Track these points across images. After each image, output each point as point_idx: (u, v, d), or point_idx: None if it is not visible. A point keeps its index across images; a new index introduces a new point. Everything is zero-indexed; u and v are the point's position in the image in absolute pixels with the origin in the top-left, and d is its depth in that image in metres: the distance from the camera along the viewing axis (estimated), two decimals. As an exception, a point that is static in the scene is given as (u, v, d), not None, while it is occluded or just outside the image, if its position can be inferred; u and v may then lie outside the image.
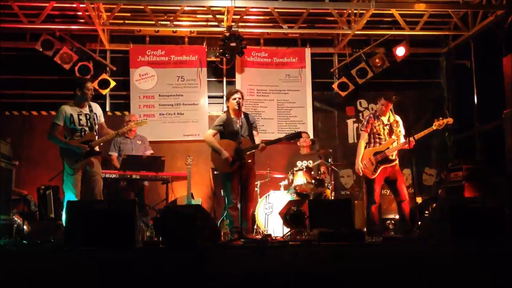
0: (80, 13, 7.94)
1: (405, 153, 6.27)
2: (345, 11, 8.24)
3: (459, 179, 6.88)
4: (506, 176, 6.34)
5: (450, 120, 6.20)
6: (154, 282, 3.38)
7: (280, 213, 6.35)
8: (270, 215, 6.90)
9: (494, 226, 4.01)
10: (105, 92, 8.23)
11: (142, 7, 7.96)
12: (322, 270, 3.48)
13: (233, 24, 7.90)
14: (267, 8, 8.11)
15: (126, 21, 8.42)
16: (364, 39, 8.90)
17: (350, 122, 8.97)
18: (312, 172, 7.05)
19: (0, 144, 6.33)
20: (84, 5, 7.29)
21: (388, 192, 7.14)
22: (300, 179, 6.95)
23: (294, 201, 6.37)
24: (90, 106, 5.51)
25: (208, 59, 8.80)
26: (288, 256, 3.55)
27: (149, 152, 7.37)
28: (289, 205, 6.14)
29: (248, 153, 5.58)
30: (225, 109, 8.69)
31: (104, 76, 8.19)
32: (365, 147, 6.21)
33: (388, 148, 6.05)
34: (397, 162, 6.09)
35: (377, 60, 8.50)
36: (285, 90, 8.86)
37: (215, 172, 7.82)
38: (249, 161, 5.63)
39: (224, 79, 8.94)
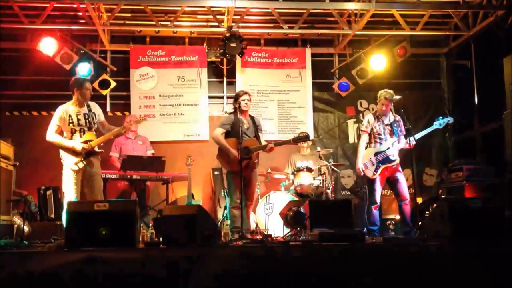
0: (80, 14, 7.95)
1: (405, 153, 6.27)
2: (345, 12, 8.24)
3: (460, 179, 6.88)
4: (506, 177, 6.34)
5: (450, 120, 6.22)
6: (154, 282, 3.38)
7: (280, 214, 6.35)
8: (270, 216, 6.91)
9: (495, 227, 4.01)
10: (105, 92, 8.23)
11: (143, 7, 7.96)
12: (322, 270, 3.48)
13: (233, 24, 7.91)
14: (268, 8, 8.11)
15: (127, 22, 8.43)
16: (364, 39, 8.90)
17: (350, 122, 8.97)
18: (313, 173, 7.07)
19: (0, 144, 6.32)
20: (85, 6, 7.29)
21: (389, 192, 7.15)
22: (300, 179, 6.97)
23: (295, 202, 6.37)
24: (88, 106, 5.48)
25: (209, 60, 8.80)
26: (288, 257, 3.55)
27: (150, 152, 7.38)
28: (289, 206, 6.14)
29: (255, 153, 5.62)
30: (226, 109, 8.80)
31: (105, 76, 8.19)
32: (366, 147, 6.21)
33: (388, 148, 6.05)
34: (398, 162, 6.09)
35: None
36: (285, 90, 8.87)
37: (216, 173, 7.83)
38: (256, 161, 5.67)
39: (225, 80, 8.95)
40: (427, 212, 6.94)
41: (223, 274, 3.41)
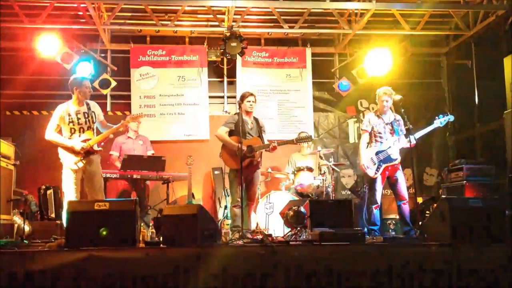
0: (81, 13, 7.94)
1: (406, 153, 6.26)
2: (346, 11, 8.24)
3: (460, 179, 6.88)
4: (507, 176, 6.34)
5: (451, 118, 6.22)
6: (155, 281, 3.38)
7: (280, 213, 6.34)
8: (271, 215, 6.91)
9: (495, 227, 4.00)
10: (105, 92, 8.22)
11: (143, 7, 7.96)
12: (322, 270, 3.48)
13: (233, 24, 7.91)
14: (268, 8, 8.12)
15: (127, 21, 8.44)
16: (365, 39, 8.89)
17: (351, 122, 8.97)
18: (313, 172, 7.07)
19: (0, 143, 6.32)
20: (85, 5, 7.31)
21: (389, 192, 7.14)
22: (300, 179, 6.96)
23: (295, 201, 6.36)
24: (88, 105, 5.48)
25: (209, 59, 8.81)
26: (288, 256, 3.55)
27: (150, 152, 7.38)
28: (290, 205, 6.13)
29: (258, 152, 5.62)
30: (226, 108, 8.80)
31: (105, 76, 8.19)
32: (367, 147, 6.20)
33: (390, 147, 6.04)
34: (399, 161, 6.08)
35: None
36: (285, 90, 8.87)
37: (216, 172, 7.83)
38: (259, 159, 5.68)
39: (225, 79, 8.95)
40: (427, 212, 6.94)
41: (223, 273, 3.41)
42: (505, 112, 6.62)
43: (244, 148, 5.56)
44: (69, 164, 5.27)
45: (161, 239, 4.05)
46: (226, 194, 7.33)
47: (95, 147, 5.41)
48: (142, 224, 5.61)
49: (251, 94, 5.95)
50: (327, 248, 3.70)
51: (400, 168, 6.11)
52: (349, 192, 8.64)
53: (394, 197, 6.24)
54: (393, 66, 8.31)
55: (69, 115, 5.37)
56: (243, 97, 5.97)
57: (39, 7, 7.70)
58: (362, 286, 3.46)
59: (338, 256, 3.56)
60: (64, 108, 5.39)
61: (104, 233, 3.65)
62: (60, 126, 5.38)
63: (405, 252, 3.67)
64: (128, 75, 8.57)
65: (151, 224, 6.03)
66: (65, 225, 3.93)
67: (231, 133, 5.87)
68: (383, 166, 6.01)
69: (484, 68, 8.22)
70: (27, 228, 6.03)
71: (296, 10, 8.22)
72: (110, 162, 7.09)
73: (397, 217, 6.76)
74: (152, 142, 7.66)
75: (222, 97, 8.95)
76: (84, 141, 5.31)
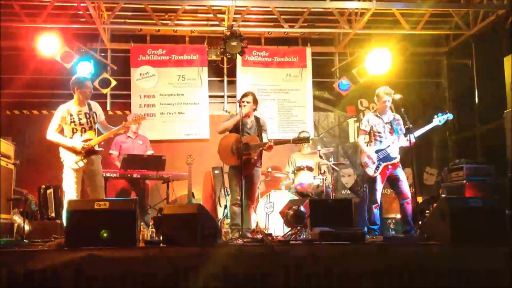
0: (81, 12, 7.93)
1: (405, 152, 6.26)
2: (346, 10, 8.23)
3: (460, 179, 6.88)
4: (507, 176, 6.34)
5: (450, 116, 6.23)
6: (155, 281, 3.38)
7: (280, 213, 6.34)
8: (271, 215, 6.91)
9: (495, 226, 4.00)
10: (105, 91, 8.22)
11: (143, 6, 7.96)
12: (322, 270, 3.48)
13: (234, 23, 7.90)
14: (268, 7, 8.12)
15: (127, 20, 8.44)
16: (365, 38, 8.89)
17: (351, 121, 8.98)
18: (313, 172, 7.07)
19: (0, 143, 6.32)
20: (85, 4, 7.30)
21: (389, 191, 7.15)
22: (301, 178, 6.96)
23: (295, 201, 6.36)
24: (89, 105, 5.50)
25: (209, 59, 8.81)
26: (288, 256, 3.55)
27: (149, 152, 7.37)
28: (290, 205, 6.13)
29: (255, 149, 5.62)
30: (226, 108, 8.80)
31: (105, 75, 8.19)
32: (366, 146, 6.20)
33: (389, 146, 6.04)
34: (398, 159, 6.08)
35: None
36: (286, 89, 8.87)
37: (216, 171, 7.83)
38: (255, 157, 5.68)
39: (225, 79, 8.95)
40: (427, 211, 6.94)
41: (223, 273, 3.41)
42: (505, 111, 6.61)
43: (238, 146, 5.57)
44: (70, 163, 5.29)
45: (161, 238, 4.05)
46: (226, 193, 7.33)
47: (96, 147, 5.43)
48: (142, 223, 5.61)
49: (246, 95, 5.89)
50: (327, 248, 3.70)
51: (400, 166, 6.11)
52: (349, 192, 8.64)
53: (396, 196, 6.25)
54: (393, 66, 8.30)
55: (71, 115, 5.38)
56: (240, 97, 5.98)
57: (39, 7, 7.69)
58: (362, 285, 3.46)
59: (338, 255, 3.56)
60: (66, 108, 5.41)
61: (105, 235, 3.65)
62: (61, 126, 5.40)
63: (405, 252, 3.66)
64: (128, 74, 8.57)
65: (151, 224, 6.03)
66: (65, 224, 3.93)
67: (230, 131, 5.88)
68: (383, 165, 6.01)
69: (484, 67, 8.21)
70: (27, 227, 6.03)
71: (296, 9, 8.22)
72: (109, 161, 7.09)
73: (397, 216, 6.77)
74: (152, 141, 7.65)
75: (222, 96, 8.96)
76: (85, 141, 5.32)
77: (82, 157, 5.30)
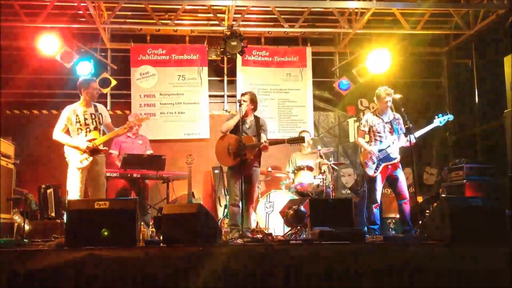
0: (81, 12, 7.93)
1: (406, 152, 6.27)
2: (346, 10, 8.23)
3: (460, 178, 6.88)
4: (507, 176, 6.34)
5: (450, 117, 6.23)
6: (155, 280, 3.38)
7: (281, 212, 6.34)
8: (271, 214, 6.91)
9: (495, 226, 4.00)
10: (106, 91, 8.22)
11: (143, 6, 7.95)
12: (322, 270, 3.48)
13: (234, 23, 7.90)
14: (268, 7, 8.11)
15: (127, 20, 8.44)
16: (365, 38, 8.89)
17: (351, 121, 8.97)
18: (313, 171, 7.07)
19: (0, 142, 6.33)
20: (85, 4, 7.30)
21: (389, 191, 7.15)
22: (301, 178, 6.96)
23: (295, 200, 6.36)
24: (95, 107, 5.61)
25: (209, 58, 8.80)
26: (288, 256, 3.55)
27: (149, 152, 7.36)
28: (290, 204, 6.13)
29: (251, 149, 5.61)
30: (226, 107, 8.80)
31: (105, 75, 8.20)
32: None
33: (389, 146, 6.04)
34: (398, 159, 6.08)
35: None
36: (286, 89, 8.86)
37: (216, 171, 7.83)
38: (252, 157, 5.67)
39: (225, 78, 8.95)
40: (427, 211, 6.94)
41: (223, 272, 3.41)
42: (505, 111, 6.61)
43: (235, 146, 5.58)
44: (75, 162, 5.36)
45: (161, 238, 4.05)
46: (226, 193, 7.32)
47: (101, 147, 5.49)
48: (142, 223, 5.61)
49: (245, 94, 5.92)
50: (327, 247, 3.70)
51: (400, 166, 6.12)
52: (349, 191, 8.64)
53: (395, 196, 6.25)
54: (393, 65, 8.30)
55: (77, 116, 5.49)
56: (240, 96, 5.98)
57: (39, 6, 7.69)
58: (362, 285, 3.46)
59: (338, 255, 3.56)
60: (72, 109, 5.52)
61: (106, 233, 3.66)
62: (67, 126, 5.49)
63: (405, 252, 3.67)
64: (128, 74, 8.57)
65: (151, 223, 6.03)
66: (65, 224, 3.93)
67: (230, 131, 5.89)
68: (382, 165, 6.02)
69: (484, 67, 8.21)
70: (27, 227, 6.03)
71: (297, 9, 8.22)
72: (109, 161, 7.08)
73: (397, 216, 6.77)
74: (152, 141, 7.65)
75: (222, 96, 8.96)
76: (90, 140, 5.40)
77: (87, 156, 5.36)
